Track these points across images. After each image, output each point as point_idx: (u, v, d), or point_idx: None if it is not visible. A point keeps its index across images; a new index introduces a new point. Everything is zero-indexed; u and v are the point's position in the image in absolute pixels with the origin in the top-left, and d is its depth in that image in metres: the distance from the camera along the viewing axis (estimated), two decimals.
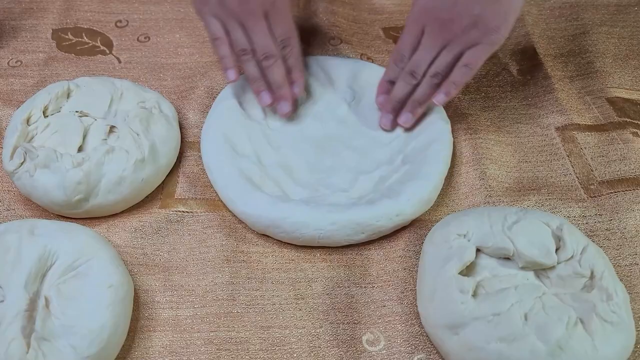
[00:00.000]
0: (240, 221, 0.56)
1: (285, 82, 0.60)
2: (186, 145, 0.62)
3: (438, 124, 0.60)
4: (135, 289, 0.50)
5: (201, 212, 0.57)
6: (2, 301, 0.44)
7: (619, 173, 0.58)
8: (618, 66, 0.69)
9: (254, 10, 0.57)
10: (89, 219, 0.55)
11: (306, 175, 0.59)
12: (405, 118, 0.59)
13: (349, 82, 0.66)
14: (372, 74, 0.65)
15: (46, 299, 0.45)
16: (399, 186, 0.55)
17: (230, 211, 0.56)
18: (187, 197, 0.58)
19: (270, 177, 0.58)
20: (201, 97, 0.66)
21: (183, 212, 0.57)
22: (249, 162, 0.58)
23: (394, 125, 0.61)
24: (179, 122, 0.62)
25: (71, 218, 0.55)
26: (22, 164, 0.53)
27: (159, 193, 0.58)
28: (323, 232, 0.52)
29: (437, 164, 0.56)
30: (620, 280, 0.47)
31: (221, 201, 0.57)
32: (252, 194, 0.54)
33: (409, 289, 0.52)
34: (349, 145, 0.62)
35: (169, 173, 0.59)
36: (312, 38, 0.73)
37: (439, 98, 0.56)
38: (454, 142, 0.60)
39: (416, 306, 0.50)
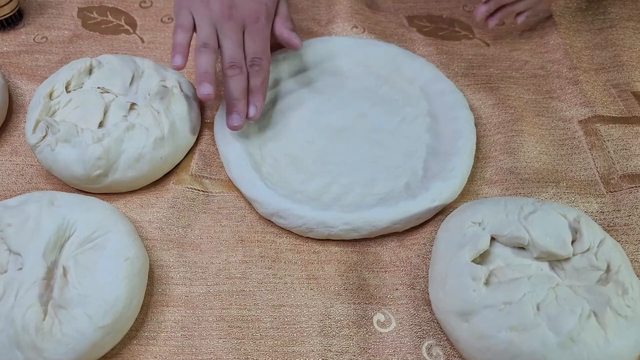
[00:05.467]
0: None
1: (243, 97, 0.55)
2: (205, 126, 0.62)
3: (462, 115, 0.59)
4: (150, 264, 0.51)
5: (216, 192, 0.57)
6: (20, 269, 0.45)
7: None
8: None
9: (235, 18, 0.56)
10: (108, 194, 0.56)
11: (320, 167, 0.58)
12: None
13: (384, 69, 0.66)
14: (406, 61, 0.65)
15: (64, 268, 0.46)
16: (421, 187, 0.54)
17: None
18: (202, 175, 0.58)
19: (280, 167, 0.58)
20: (221, 80, 0.66)
21: (198, 190, 0.57)
22: (261, 150, 0.58)
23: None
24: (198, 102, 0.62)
25: (90, 193, 0.55)
26: (44, 137, 0.54)
27: (176, 171, 0.59)
28: (334, 231, 0.52)
29: (462, 162, 0.56)
30: (637, 275, 0.46)
31: None
32: (259, 183, 0.54)
33: (421, 275, 0.52)
34: (368, 137, 0.60)
35: (188, 152, 0.60)
36: (334, 27, 0.73)
37: None
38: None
39: (428, 292, 0.50)
